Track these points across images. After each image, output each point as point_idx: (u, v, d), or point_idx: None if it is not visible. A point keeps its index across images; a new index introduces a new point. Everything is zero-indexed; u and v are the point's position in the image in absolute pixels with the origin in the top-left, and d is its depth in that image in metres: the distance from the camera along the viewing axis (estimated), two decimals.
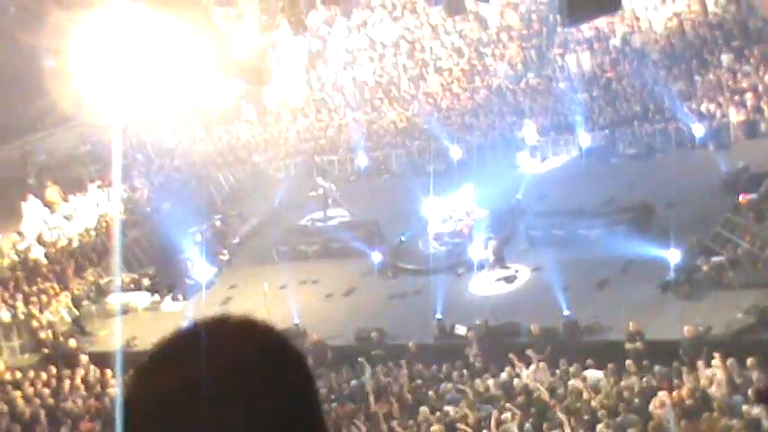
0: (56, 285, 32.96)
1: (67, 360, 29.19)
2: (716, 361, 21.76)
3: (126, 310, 31.26)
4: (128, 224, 36.92)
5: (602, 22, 37.97)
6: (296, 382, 1.92)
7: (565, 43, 40.55)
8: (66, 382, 27.65)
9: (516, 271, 29.09)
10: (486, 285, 29.13)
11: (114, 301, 32.20)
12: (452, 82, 42.37)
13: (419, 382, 24.96)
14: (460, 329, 26.70)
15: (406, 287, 30.26)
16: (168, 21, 17.45)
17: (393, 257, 32.06)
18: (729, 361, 21.58)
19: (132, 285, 33.76)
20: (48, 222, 37.16)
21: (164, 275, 34.45)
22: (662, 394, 21.08)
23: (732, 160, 31.30)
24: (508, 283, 28.91)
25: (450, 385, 24.35)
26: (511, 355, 24.66)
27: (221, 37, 17.18)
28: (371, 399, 24.36)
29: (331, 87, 45.24)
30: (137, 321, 31.02)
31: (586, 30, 39.05)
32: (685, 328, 23.11)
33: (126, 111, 21.17)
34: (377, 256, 31.89)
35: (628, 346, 23.56)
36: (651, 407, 20.91)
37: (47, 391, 27.30)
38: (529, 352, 24.70)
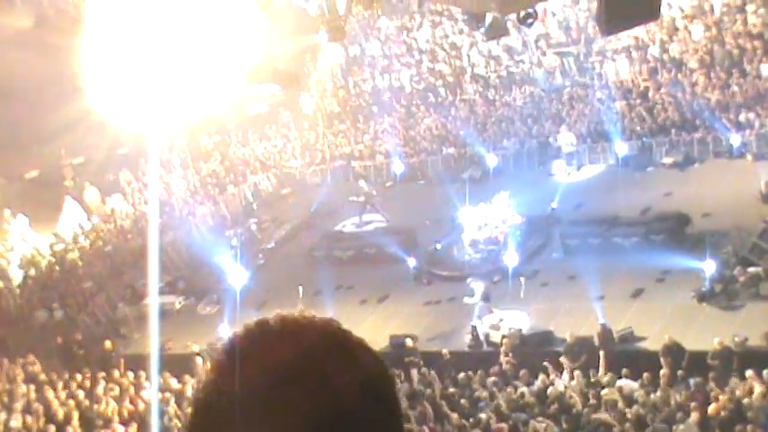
0: (92, 287, 33.21)
1: (102, 362, 29.36)
2: (751, 372, 21.61)
3: (161, 313, 31.41)
4: (164, 227, 37.15)
5: (640, 30, 37.79)
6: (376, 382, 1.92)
7: (603, 51, 40.42)
8: (101, 384, 27.81)
9: (501, 320, 27.23)
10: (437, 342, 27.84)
11: (149, 303, 32.38)
12: (489, 89, 42.34)
13: (452, 389, 24.92)
14: (495, 337, 26.67)
15: (441, 294, 30.23)
16: (205, 25, 17.56)
17: (428, 264, 32.07)
18: (765, 372, 21.42)
19: (167, 288, 33.94)
20: (84, 225, 37.46)
21: (199, 279, 34.63)
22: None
23: None
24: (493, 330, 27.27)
25: (484, 393, 24.30)
26: (545, 363, 24.60)
27: (258, 42, 17.26)
28: (405, 404, 24.36)
29: (368, 93, 45.31)
30: (172, 324, 31.19)
31: (625, 38, 38.89)
32: (716, 341, 22.94)
33: (162, 114, 21.27)
34: (412, 263, 31.91)
35: (663, 356, 23.42)
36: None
37: (81, 392, 27.47)
38: (563, 360, 24.65)
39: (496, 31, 20.84)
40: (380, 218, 36.36)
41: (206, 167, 42.86)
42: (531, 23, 21.03)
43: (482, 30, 21.13)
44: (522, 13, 19.40)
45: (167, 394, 26.90)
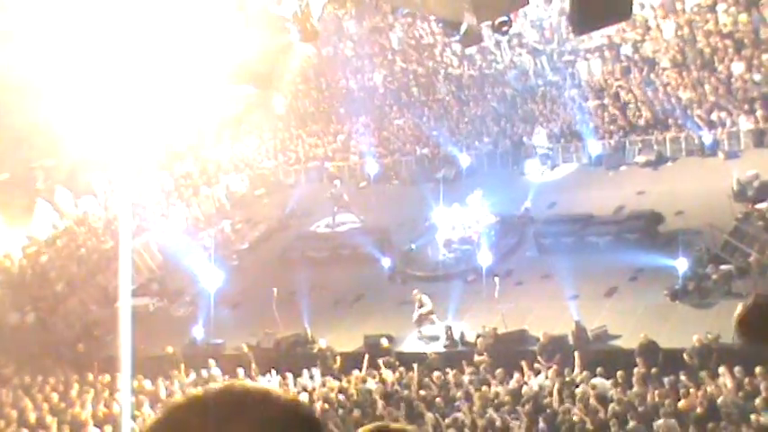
0: (65, 289, 33.03)
1: (76, 365, 29.20)
2: (723, 369, 21.75)
3: (135, 316, 31.25)
4: (137, 229, 36.99)
5: (612, 30, 37.89)
6: None
7: (575, 51, 40.51)
8: (75, 388, 27.67)
9: (449, 328, 27.16)
10: (413, 341, 27.96)
11: (123, 305, 32.20)
12: (462, 89, 42.36)
13: (428, 390, 24.92)
14: (470, 337, 26.73)
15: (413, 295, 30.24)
16: (179, 25, 17.49)
17: (402, 264, 32.09)
18: (737, 369, 21.57)
19: (141, 290, 33.80)
20: (57, 227, 37.25)
21: (173, 280, 34.50)
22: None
23: (742, 169, 31.24)
24: (428, 343, 27.42)
25: (459, 392, 24.33)
26: (522, 363, 24.67)
27: (232, 42, 17.19)
28: (380, 405, 24.36)
29: (341, 94, 45.26)
30: (146, 326, 31.05)
31: (597, 37, 38.98)
32: (694, 338, 23.06)
33: (134, 116, 21.20)
34: (386, 263, 31.92)
35: (638, 355, 23.50)
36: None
37: (55, 396, 27.32)
38: (537, 359, 24.73)
39: (472, 39, 20.88)
40: (354, 218, 36.32)
41: (179, 169, 42.69)
42: (507, 31, 21.08)
43: (457, 37, 21.18)
44: (498, 21, 19.42)
45: (141, 397, 26.80)
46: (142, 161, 41.53)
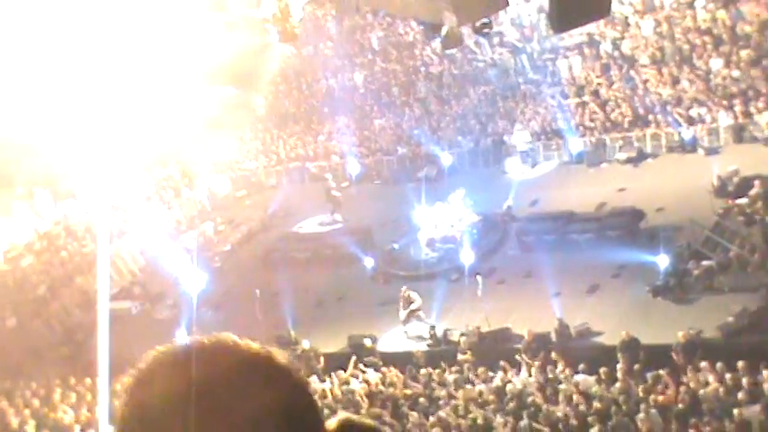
0: (46, 293, 32.90)
1: (58, 369, 29.08)
2: (706, 364, 21.84)
3: (117, 319, 31.13)
4: (119, 232, 36.89)
5: (592, 27, 37.98)
6: (280, 398, 1.91)
7: (555, 49, 40.59)
8: (57, 392, 27.55)
9: (432, 327, 27.30)
10: (396, 341, 27.96)
11: (102, 308, 32.03)
12: (443, 88, 42.40)
13: (412, 389, 24.93)
14: (453, 335, 26.74)
15: (399, 293, 30.22)
16: (158, 27, 17.44)
17: (385, 264, 32.08)
18: (719, 364, 21.65)
19: (123, 294, 33.70)
20: (37, 230, 37.09)
21: (155, 283, 34.41)
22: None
23: (722, 164, 31.37)
24: (413, 342, 27.43)
25: (443, 391, 24.34)
26: (503, 362, 24.69)
27: (211, 44, 17.17)
28: (364, 404, 24.34)
29: (322, 94, 45.24)
30: (128, 330, 30.93)
31: (577, 35, 39.07)
32: (680, 334, 23.12)
33: (114, 118, 21.14)
34: (369, 263, 31.91)
35: (621, 351, 23.56)
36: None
37: (36, 401, 27.19)
38: (521, 357, 24.76)
39: (453, 42, 20.92)
40: (340, 218, 36.36)
41: (160, 171, 42.58)
42: (487, 33, 21.13)
43: (438, 40, 21.23)
44: (479, 23, 19.44)
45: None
46: (123, 163, 41.42)
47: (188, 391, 1.84)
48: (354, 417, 2.13)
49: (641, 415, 20.89)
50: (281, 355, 1.96)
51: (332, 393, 25.42)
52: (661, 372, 22.36)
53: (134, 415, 1.91)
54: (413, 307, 27.81)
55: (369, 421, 2.16)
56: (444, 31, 19.74)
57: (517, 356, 24.91)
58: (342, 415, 2.13)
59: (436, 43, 22.92)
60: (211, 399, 1.83)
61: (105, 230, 32.24)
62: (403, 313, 27.80)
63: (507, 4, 19.15)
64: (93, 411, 26.31)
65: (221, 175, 42.52)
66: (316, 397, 1.99)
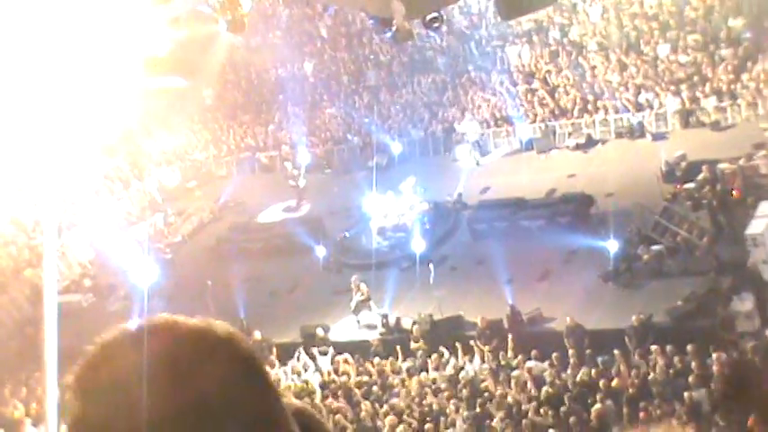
0: None
1: (8, 364, 28.80)
2: (656, 348, 22.06)
3: (68, 312, 30.85)
4: (68, 224, 36.56)
5: (540, 14, 38.15)
6: (226, 370, 1.91)
7: (504, 36, 40.71)
8: (8, 387, 27.30)
9: (385, 316, 27.31)
10: (348, 330, 28.01)
11: (52, 302, 31.71)
12: (392, 76, 42.38)
13: (366, 377, 24.97)
14: (406, 323, 26.78)
15: (351, 282, 30.23)
16: (103, 16, 17.26)
17: (337, 253, 32.06)
18: (669, 348, 21.87)
19: (74, 286, 33.43)
20: None
21: (106, 275, 34.13)
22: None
23: (669, 149, 31.64)
24: (365, 331, 27.53)
25: (396, 379, 24.39)
26: (456, 349, 24.78)
27: (158, 34, 17.01)
28: (318, 394, 24.36)
29: (271, 83, 45.05)
30: (79, 323, 30.69)
31: (525, 22, 39.22)
32: (633, 318, 23.31)
33: (60, 109, 20.89)
34: (321, 252, 31.86)
35: (566, 337, 23.74)
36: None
37: None
38: (474, 344, 24.85)
39: (403, 36, 20.95)
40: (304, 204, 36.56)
41: (109, 163, 42.18)
42: (438, 27, 21.16)
43: (388, 34, 21.25)
44: (429, 17, 19.47)
45: None
46: (71, 156, 41.01)
47: (134, 373, 1.82)
48: (307, 409, 2.13)
49: (593, 401, 21.07)
50: (221, 327, 1.96)
51: (285, 384, 25.40)
52: (612, 356, 22.55)
53: (84, 405, 1.90)
54: (360, 298, 27.85)
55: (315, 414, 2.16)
56: (395, 25, 19.76)
57: (472, 343, 24.99)
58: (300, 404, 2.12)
59: (387, 37, 22.94)
60: (158, 378, 1.82)
61: (53, 223, 31.93)
62: (354, 302, 27.84)
63: None
64: (43, 405, 26.08)
65: (171, 166, 42.23)
66: (265, 366, 1.98)
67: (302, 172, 37.11)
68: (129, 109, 41.39)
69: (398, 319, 27.10)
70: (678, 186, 29.34)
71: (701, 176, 29.07)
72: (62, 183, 37.83)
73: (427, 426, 22.09)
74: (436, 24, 20.38)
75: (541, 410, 21.43)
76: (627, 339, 22.98)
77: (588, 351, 23.16)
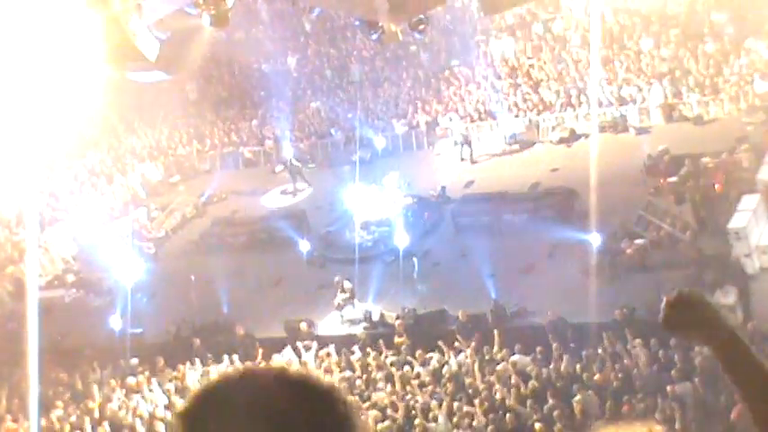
0: None
1: None
2: (639, 342, 22.10)
3: (51, 307, 30.74)
4: (51, 219, 36.46)
5: (523, 8, 38.18)
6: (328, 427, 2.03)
7: (487, 30, 40.72)
8: None
9: (368, 312, 27.38)
10: (332, 325, 28.00)
11: (37, 297, 31.62)
12: (375, 71, 42.35)
13: (349, 372, 24.96)
14: (389, 318, 26.79)
15: (335, 280, 30.19)
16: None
17: (321, 247, 32.02)
18: (652, 342, 21.91)
19: (57, 282, 33.34)
20: None
21: (89, 271, 34.01)
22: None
23: (653, 143, 31.72)
24: (349, 326, 27.58)
25: (380, 374, 24.37)
26: (440, 342, 24.77)
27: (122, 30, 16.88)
28: None
29: (255, 78, 44.95)
30: (63, 318, 30.62)
31: (509, 16, 39.24)
32: (616, 312, 23.37)
33: (42, 103, 20.81)
34: (305, 246, 31.82)
35: (549, 332, 23.78)
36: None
37: None
38: (458, 338, 24.85)
39: (389, 38, 21.01)
40: (305, 185, 37.03)
41: (93, 157, 42.04)
42: (423, 29, 21.19)
43: (374, 37, 21.30)
44: (414, 20, 19.49)
45: (60, 389, 26.51)
46: (53, 150, 40.84)
47: (239, 418, 1.98)
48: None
49: (576, 394, 21.12)
50: (323, 379, 2.11)
51: None
52: (596, 349, 22.60)
53: None
54: (344, 296, 27.87)
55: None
56: (381, 28, 19.79)
57: (456, 338, 24.99)
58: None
59: (373, 40, 23.04)
60: (260, 425, 1.98)
61: (35, 218, 31.84)
62: (338, 300, 27.85)
63: (444, 2, 19.23)
64: (25, 401, 26.00)
65: (154, 161, 42.11)
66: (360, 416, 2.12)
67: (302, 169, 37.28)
68: (112, 103, 41.29)
69: (382, 314, 27.10)
70: (661, 180, 29.41)
71: (683, 170, 29.15)
72: (44, 178, 37.77)
73: (411, 420, 22.10)
74: (422, 27, 20.40)
75: (525, 404, 21.46)
76: (610, 333, 23.02)
77: (572, 345, 23.20)
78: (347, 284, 28.07)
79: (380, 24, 20.21)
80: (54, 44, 17.85)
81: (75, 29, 16.79)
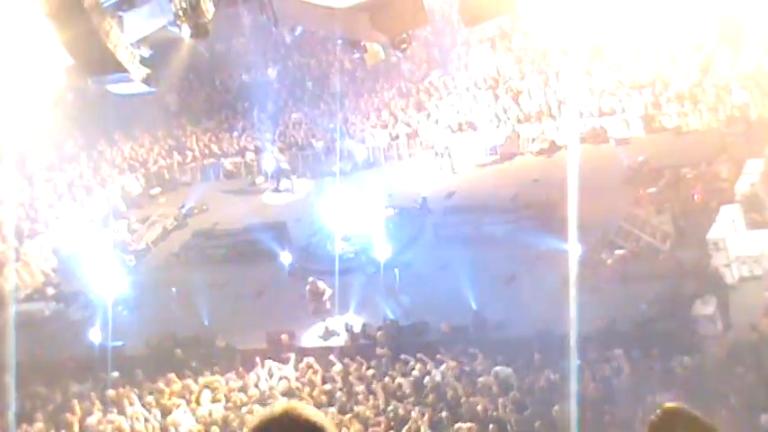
0: None
1: None
2: (620, 352, 22.14)
3: (30, 321, 30.59)
4: (30, 232, 36.29)
5: (504, 20, 38.23)
6: None
7: (468, 41, 40.78)
8: None
9: (350, 324, 27.35)
10: (314, 337, 28.04)
11: (17, 311, 31.47)
12: (356, 82, 42.36)
13: (330, 384, 24.90)
14: (371, 329, 26.77)
15: (306, 286, 30.11)
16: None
17: (302, 259, 31.99)
18: (633, 351, 21.96)
19: (37, 295, 33.19)
20: None
21: (68, 284, 33.86)
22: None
23: (633, 154, 31.82)
24: (329, 338, 27.68)
25: (361, 386, 24.33)
26: (420, 355, 24.75)
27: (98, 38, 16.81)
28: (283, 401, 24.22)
29: (235, 89, 44.91)
30: (42, 331, 30.49)
31: (490, 28, 39.28)
32: (597, 322, 23.41)
33: (20, 114, 20.73)
34: (286, 258, 31.77)
35: (533, 342, 23.80)
36: None
37: None
38: (439, 350, 24.83)
39: (371, 58, 21.08)
40: (290, 184, 37.47)
41: (72, 170, 41.87)
42: (405, 48, 21.23)
43: (357, 56, 21.37)
44: (396, 39, 19.52)
45: (39, 402, 26.37)
46: (32, 162, 40.72)
47: None
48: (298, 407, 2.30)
49: (556, 405, 21.14)
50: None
51: (249, 391, 25.32)
52: (578, 361, 22.62)
53: None
54: (323, 297, 27.89)
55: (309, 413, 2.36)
56: (363, 47, 19.83)
57: (438, 349, 24.98)
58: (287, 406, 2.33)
59: (356, 58, 23.17)
60: None
61: (13, 231, 31.69)
62: (311, 305, 27.85)
63: (427, 21, 19.25)
64: (4, 416, 25.85)
65: (134, 173, 41.97)
66: None
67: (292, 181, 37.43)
68: (92, 115, 41.17)
69: (364, 325, 27.08)
70: (641, 191, 29.50)
71: (663, 181, 29.28)
72: (24, 190, 37.60)
73: None
74: (404, 45, 20.43)
75: (507, 415, 21.46)
76: (591, 343, 23.05)
77: (553, 355, 23.21)
78: (321, 284, 28.12)
79: (363, 44, 20.27)
80: (31, 54, 17.80)
81: (51, 39, 16.73)
